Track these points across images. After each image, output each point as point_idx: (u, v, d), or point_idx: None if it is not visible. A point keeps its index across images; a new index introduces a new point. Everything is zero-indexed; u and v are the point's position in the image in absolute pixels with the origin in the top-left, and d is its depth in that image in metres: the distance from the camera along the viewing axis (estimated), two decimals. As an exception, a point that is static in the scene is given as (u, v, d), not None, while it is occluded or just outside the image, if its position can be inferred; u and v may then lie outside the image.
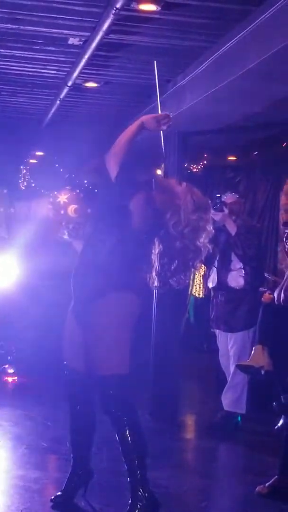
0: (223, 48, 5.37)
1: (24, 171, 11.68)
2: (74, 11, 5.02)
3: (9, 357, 8.45)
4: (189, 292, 10.62)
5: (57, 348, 4.71)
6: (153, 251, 4.48)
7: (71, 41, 5.74)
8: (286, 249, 6.40)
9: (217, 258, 6.96)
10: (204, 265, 7.46)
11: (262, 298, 6.61)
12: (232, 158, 10.88)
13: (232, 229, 6.77)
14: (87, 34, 5.46)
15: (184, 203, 4.44)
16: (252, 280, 6.87)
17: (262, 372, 5.84)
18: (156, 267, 4.48)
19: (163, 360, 7.10)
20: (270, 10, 4.57)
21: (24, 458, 5.62)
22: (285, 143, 9.36)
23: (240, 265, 6.85)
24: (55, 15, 5.13)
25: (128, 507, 4.28)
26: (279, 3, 4.46)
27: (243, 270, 6.85)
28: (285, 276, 6.26)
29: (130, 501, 4.30)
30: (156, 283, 4.50)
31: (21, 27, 5.43)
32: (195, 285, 10.94)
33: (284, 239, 6.53)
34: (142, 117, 4.48)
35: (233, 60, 5.25)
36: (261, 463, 5.84)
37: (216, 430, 6.73)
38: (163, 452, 5.92)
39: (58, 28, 5.43)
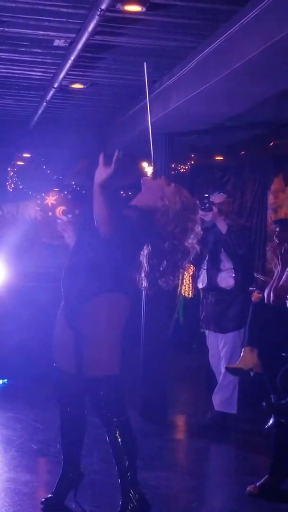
0: (209, 48, 5.38)
1: (12, 173, 11.66)
2: (59, 13, 5.01)
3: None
4: (178, 293, 10.63)
5: (46, 349, 4.70)
6: (141, 252, 4.48)
7: (57, 42, 5.74)
8: (276, 246, 6.41)
9: (207, 259, 6.97)
10: (193, 265, 7.46)
11: (252, 298, 6.62)
12: (219, 158, 10.89)
13: (223, 227, 6.77)
14: (73, 35, 5.46)
15: (173, 204, 4.45)
16: (242, 280, 6.88)
17: (251, 374, 5.86)
18: (145, 268, 4.48)
19: (152, 361, 7.10)
20: (255, 10, 4.57)
21: (14, 460, 5.61)
22: (272, 143, 9.38)
23: (230, 265, 6.86)
24: (40, 17, 5.12)
25: (119, 509, 4.28)
26: (263, 3, 4.46)
27: (233, 270, 6.85)
28: (274, 275, 6.27)
29: (121, 503, 4.30)
30: (145, 284, 4.50)
31: (6, 29, 5.41)
32: (184, 285, 10.95)
33: (274, 237, 6.54)
34: (95, 178, 4.16)
35: (219, 60, 5.25)
36: (252, 463, 5.85)
37: (207, 430, 6.73)
38: (154, 453, 5.93)
39: (44, 30, 5.42)
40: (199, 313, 7.25)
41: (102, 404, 4.35)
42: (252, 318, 6.09)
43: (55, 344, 4.59)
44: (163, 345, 7.28)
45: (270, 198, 10.22)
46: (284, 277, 6.06)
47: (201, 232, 4.57)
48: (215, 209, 6.74)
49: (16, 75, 6.92)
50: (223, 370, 6.76)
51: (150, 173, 4.64)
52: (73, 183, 11.67)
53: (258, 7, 4.53)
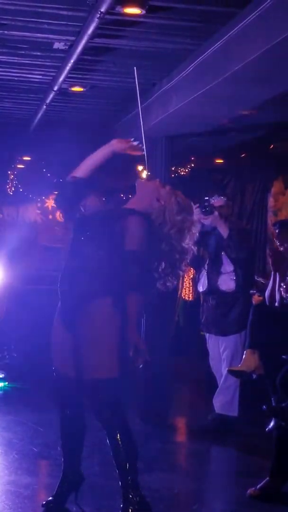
0: (208, 51, 5.39)
1: (12, 176, 11.67)
2: (59, 16, 5.02)
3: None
4: (178, 295, 10.62)
5: (46, 352, 4.70)
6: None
7: (57, 45, 5.75)
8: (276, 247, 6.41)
9: (207, 262, 6.96)
10: (194, 268, 7.45)
11: (252, 300, 6.62)
12: (219, 160, 10.89)
13: (224, 231, 6.76)
14: (72, 38, 5.46)
15: (169, 205, 4.46)
16: (243, 283, 6.87)
17: (254, 376, 5.85)
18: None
19: (153, 364, 7.08)
20: (255, 12, 4.58)
21: (15, 463, 5.60)
22: (272, 145, 9.38)
23: (231, 268, 6.85)
24: (40, 20, 5.14)
25: (120, 511, 4.27)
26: (263, 5, 4.47)
27: (234, 273, 6.85)
28: (271, 276, 6.26)
29: (121, 505, 4.29)
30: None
31: (6, 32, 5.43)
32: (185, 289, 10.94)
33: (274, 238, 6.54)
34: (112, 142, 4.47)
35: (218, 62, 5.26)
36: (253, 465, 5.84)
37: (208, 432, 6.72)
38: (154, 456, 5.92)
39: (43, 32, 5.43)
40: (199, 316, 7.24)
41: (102, 406, 4.34)
42: (253, 321, 6.08)
43: (54, 348, 4.58)
44: (163, 348, 7.27)
45: (270, 201, 10.23)
46: None
47: (197, 233, 4.60)
48: (216, 213, 6.73)
49: (16, 78, 6.94)
50: (224, 372, 6.75)
51: (145, 176, 4.65)
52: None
53: (257, 10, 4.55)
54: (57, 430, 4.74)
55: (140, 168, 4.62)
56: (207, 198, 6.82)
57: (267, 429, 5.13)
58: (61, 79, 6.44)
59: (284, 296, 5.81)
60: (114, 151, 4.50)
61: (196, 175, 11.15)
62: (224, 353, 6.87)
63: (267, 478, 5.01)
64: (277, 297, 6.05)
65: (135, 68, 4.63)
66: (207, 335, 7.11)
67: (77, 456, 4.67)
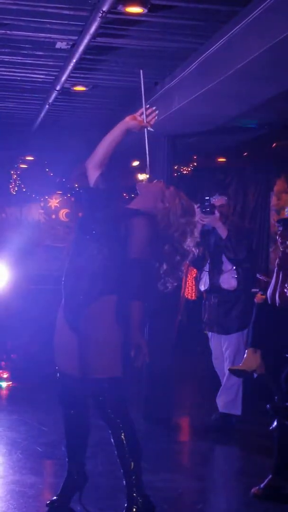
0: (210, 49, 5.37)
1: (15, 176, 11.68)
2: (61, 15, 5.01)
3: (2, 362, 8.44)
4: (181, 295, 10.62)
5: (50, 352, 4.70)
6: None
7: (59, 45, 5.74)
8: (279, 245, 6.41)
9: (208, 261, 6.96)
10: (195, 268, 7.45)
11: (255, 299, 6.62)
12: (221, 159, 10.89)
13: (222, 232, 6.77)
14: (75, 37, 5.45)
15: (173, 207, 4.47)
16: (244, 281, 6.87)
17: (255, 375, 5.85)
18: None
19: (156, 363, 7.08)
20: (257, 10, 4.57)
21: (19, 463, 5.61)
22: (274, 144, 9.37)
23: (232, 266, 6.86)
24: (42, 19, 5.12)
25: (124, 511, 4.27)
26: (265, 3, 4.46)
27: (235, 271, 6.85)
28: (274, 274, 6.26)
29: (125, 505, 4.29)
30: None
31: (8, 32, 5.41)
32: (188, 288, 10.94)
33: (277, 236, 6.53)
34: (126, 119, 4.49)
35: (220, 61, 5.25)
36: (257, 464, 5.84)
37: (211, 432, 6.73)
38: (158, 455, 5.93)
39: (46, 32, 5.42)
40: (201, 316, 7.24)
41: (105, 406, 4.34)
42: (256, 320, 6.09)
43: (57, 347, 4.58)
44: (167, 347, 7.27)
45: (273, 200, 10.23)
46: None
47: (198, 236, 4.61)
48: (216, 213, 6.73)
49: (19, 78, 6.93)
50: (226, 371, 6.76)
51: (145, 178, 4.65)
52: (76, 185, 11.68)
53: (260, 8, 4.53)
54: (61, 430, 4.75)
55: (136, 164, 4.62)
56: (207, 197, 6.82)
57: (270, 428, 5.13)
58: (63, 78, 6.43)
59: None
60: (128, 129, 4.49)
61: (199, 174, 11.15)
62: (226, 352, 6.87)
63: (270, 477, 5.01)
64: (277, 296, 6.06)
65: (141, 70, 4.63)
66: (209, 334, 7.11)
67: (82, 455, 4.67)
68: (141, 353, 4.31)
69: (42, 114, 8.27)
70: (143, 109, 4.56)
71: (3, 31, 5.42)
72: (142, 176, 4.49)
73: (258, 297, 6.62)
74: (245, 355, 6.02)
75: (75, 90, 7.21)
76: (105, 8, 4.54)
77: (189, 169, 11.06)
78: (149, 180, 4.70)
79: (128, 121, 4.49)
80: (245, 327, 6.76)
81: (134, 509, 4.25)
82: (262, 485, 5.00)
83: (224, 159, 10.87)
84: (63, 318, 4.51)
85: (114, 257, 4.34)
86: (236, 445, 6.52)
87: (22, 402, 7.49)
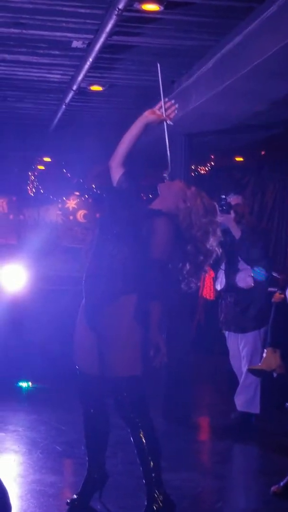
0: (227, 46, 5.35)
1: (32, 177, 11.71)
2: (77, 13, 5.01)
3: (22, 363, 8.44)
4: (199, 295, 10.60)
5: (69, 352, 4.70)
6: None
7: (75, 44, 5.73)
8: None
9: (225, 260, 6.95)
10: (211, 268, 7.44)
11: (273, 298, 6.59)
12: (239, 158, 10.86)
13: (236, 233, 6.75)
14: (91, 36, 5.45)
15: (195, 206, 4.46)
16: (260, 280, 6.85)
17: (274, 375, 5.83)
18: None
19: (175, 363, 7.07)
20: (273, 6, 4.55)
21: (39, 462, 5.62)
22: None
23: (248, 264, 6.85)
24: (58, 18, 5.12)
25: (144, 509, 4.28)
26: (281, -1, 4.44)
27: (251, 270, 6.83)
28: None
29: (146, 503, 4.29)
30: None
31: (24, 31, 5.42)
32: (206, 288, 10.92)
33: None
34: (145, 114, 4.49)
35: (237, 58, 5.23)
36: (276, 463, 5.82)
37: (230, 431, 6.71)
38: (177, 454, 5.92)
39: (61, 31, 5.42)
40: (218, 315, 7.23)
41: (125, 405, 4.34)
42: (274, 319, 6.06)
43: (77, 347, 4.59)
44: (185, 347, 7.26)
45: (291, 198, 10.19)
46: None
47: (221, 235, 4.59)
48: (232, 213, 6.71)
49: (35, 78, 6.94)
50: (244, 370, 6.74)
51: (166, 175, 4.63)
52: (94, 186, 11.70)
53: (276, 3, 4.51)
54: (80, 429, 4.75)
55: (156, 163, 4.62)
56: (224, 196, 6.80)
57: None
58: (80, 78, 6.43)
59: None
60: (147, 123, 4.50)
61: (216, 174, 11.13)
62: (243, 350, 6.86)
63: (290, 475, 4.99)
64: None
65: (158, 64, 4.63)
66: (226, 333, 7.09)
67: (101, 454, 4.68)
68: (160, 353, 4.31)
69: (59, 115, 8.28)
70: (162, 102, 4.55)
71: (19, 31, 5.42)
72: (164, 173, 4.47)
73: (276, 297, 6.58)
74: (264, 355, 6.00)
75: (91, 89, 7.21)
76: (121, 6, 4.53)
77: (206, 168, 11.04)
78: (169, 176, 4.68)
79: (147, 116, 4.49)
80: (262, 326, 6.74)
81: (155, 508, 4.25)
82: (281, 484, 4.98)
83: (241, 158, 10.84)
84: (84, 318, 4.51)
85: (135, 257, 4.33)
86: (255, 444, 6.50)
87: (42, 402, 7.50)
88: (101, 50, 5.57)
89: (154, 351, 4.30)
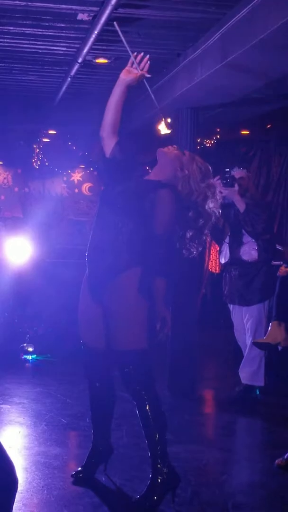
0: (233, 19, 5.31)
1: (37, 150, 11.68)
2: (82, -15, 4.97)
3: (27, 336, 8.49)
4: (205, 268, 10.61)
5: (75, 325, 4.72)
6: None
7: (80, 16, 5.69)
8: None
9: (229, 234, 6.95)
10: (216, 240, 7.44)
11: (278, 272, 6.60)
12: (245, 132, 10.80)
13: (241, 206, 6.74)
14: (96, 9, 5.41)
15: (192, 173, 4.44)
16: (265, 253, 6.86)
17: (280, 348, 5.84)
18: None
19: (180, 336, 7.09)
20: (281, -22, 4.51)
21: (44, 435, 5.65)
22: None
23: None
24: (63, -10, 5.09)
25: (149, 482, 4.30)
26: None
27: (255, 243, 6.83)
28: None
29: (150, 476, 4.32)
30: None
31: (29, 3, 5.38)
32: (211, 261, 10.93)
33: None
34: (121, 77, 4.47)
35: (244, 31, 5.19)
36: (280, 435, 5.85)
37: (235, 403, 6.74)
38: (182, 427, 5.96)
39: (67, 3, 5.38)
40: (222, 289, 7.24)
41: (131, 378, 4.35)
42: (280, 292, 6.07)
43: (82, 320, 4.59)
44: (191, 320, 7.28)
45: (297, 172, 10.15)
46: None
47: (220, 195, 4.58)
48: (236, 186, 6.69)
49: (40, 51, 6.89)
50: (248, 343, 6.77)
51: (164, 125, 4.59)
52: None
53: (283, -24, 4.47)
54: (85, 402, 4.78)
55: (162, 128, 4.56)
56: (228, 169, 6.78)
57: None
58: (85, 51, 6.39)
59: None
60: (127, 85, 4.53)
61: (222, 147, 11.08)
62: (247, 323, 6.88)
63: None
64: None
65: (114, 23, 4.56)
66: (231, 306, 7.11)
67: (107, 427, 4.71)
68: (166, 326, 4.32)
69: (64, 87, 8.23)
70: (132, 58, 4.53)
71: (25, 3, 5.38)
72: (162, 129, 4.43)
73: (282, 270, 6.59)
74: (269, 328, 6.01)
75: (97, 62, 7.16)
76: (127, -22, 4.50)
77: (212, 141, 10.99)
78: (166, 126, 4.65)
79: (124, 78, 4.50)
80: (266, 299, 6.77)
81: (159, 480, 4.28)
82: (286, 456, 5.01)
83: (247, 132, 10.79)
84: (87, 291, 4.52)
85: (139, 231, 4.33)
86: (259, 417, 6.53)
87: (47, 375, 7.54)
88: (107, 23, 5.53)
89: (160, 325, 4.31)
